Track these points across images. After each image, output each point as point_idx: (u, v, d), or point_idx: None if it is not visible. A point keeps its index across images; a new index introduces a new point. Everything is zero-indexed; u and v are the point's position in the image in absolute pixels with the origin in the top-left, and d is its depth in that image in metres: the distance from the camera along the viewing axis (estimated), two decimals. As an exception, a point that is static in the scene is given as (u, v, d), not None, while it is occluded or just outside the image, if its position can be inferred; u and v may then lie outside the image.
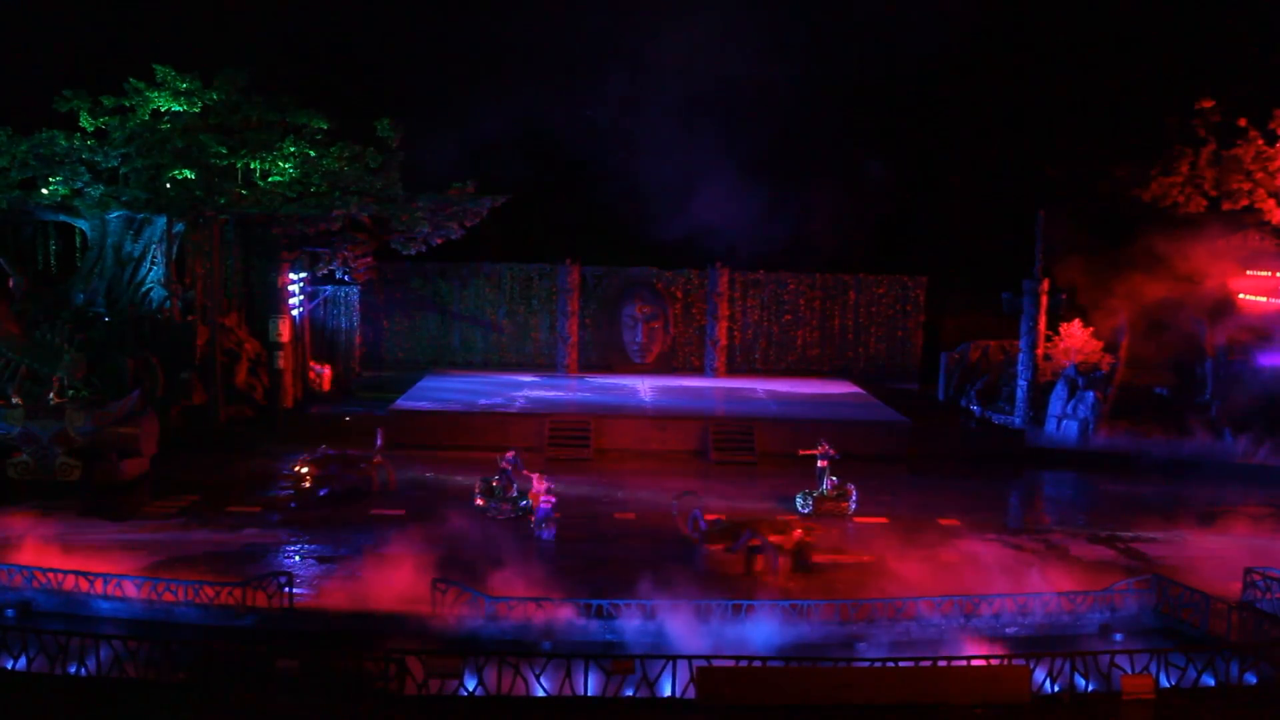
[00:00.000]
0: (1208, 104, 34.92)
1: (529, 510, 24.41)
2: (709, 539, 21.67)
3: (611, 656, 16.18)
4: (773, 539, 21.48)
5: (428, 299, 43.39)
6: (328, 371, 40.02)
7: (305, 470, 26.69)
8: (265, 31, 38.41)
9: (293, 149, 34.24)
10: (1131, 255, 35.48)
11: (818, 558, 21.94)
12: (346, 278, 40.28)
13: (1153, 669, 15.97)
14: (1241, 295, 35.56)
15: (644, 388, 39.50)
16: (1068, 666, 16.05)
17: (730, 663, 15.58)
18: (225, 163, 34.10)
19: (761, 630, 17.79)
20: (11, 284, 35.64)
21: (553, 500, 23.85)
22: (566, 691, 15.42)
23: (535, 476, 24.46)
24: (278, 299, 36.02)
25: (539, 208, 43.11)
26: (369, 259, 39.63)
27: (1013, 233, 39.85)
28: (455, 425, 33.25)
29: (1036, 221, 37.29)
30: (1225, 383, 35.52)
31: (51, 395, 28.28)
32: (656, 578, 19.54)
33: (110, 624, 17.97)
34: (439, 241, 38.28)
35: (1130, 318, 36.65)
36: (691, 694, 15.28)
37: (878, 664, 15.69)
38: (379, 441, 27.71)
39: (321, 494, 26.46)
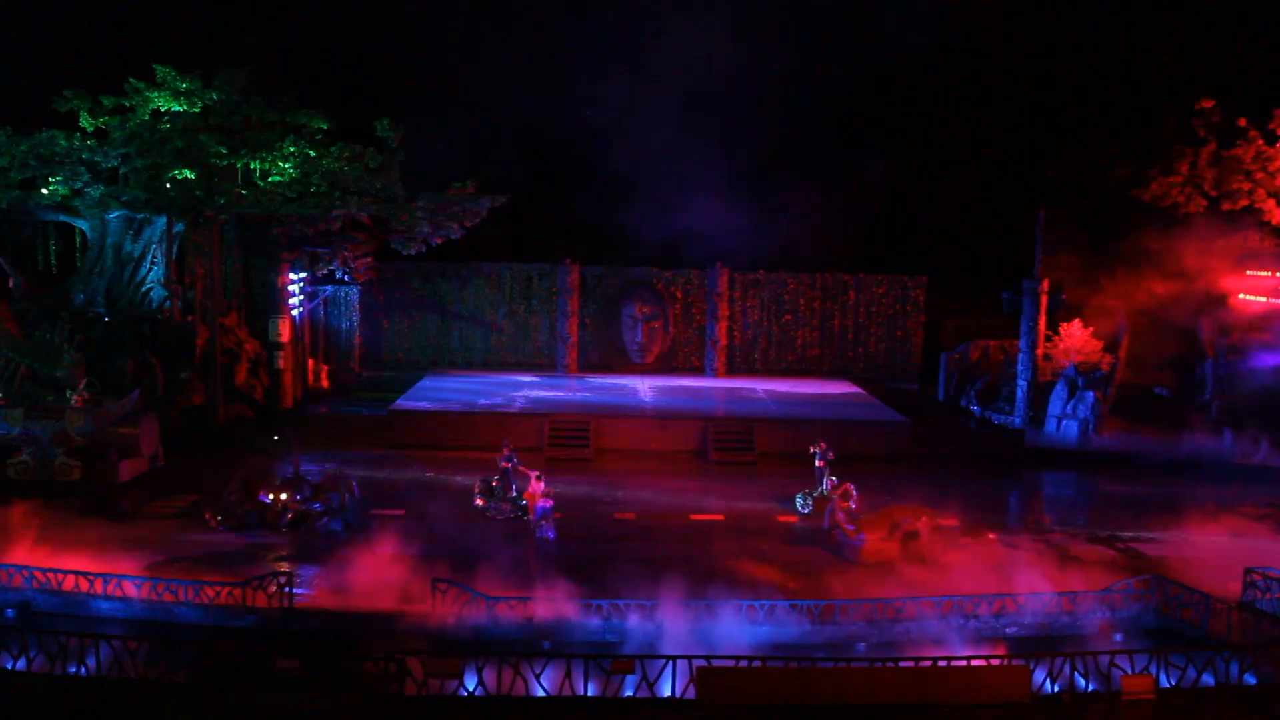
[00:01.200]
0: (1208, 104, 34.94)
1: (527, 509, 24.42)
2: (866, 529, 22.58)
3: (611, 656, 16.18)
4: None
5: (428, 299, 43.34)
6: (325, 370, 40.02)
7: (284, 497, 24.05)
8: (265, 31, 38.43)
9: (293, 149, 34.23)
10: (1131, 255, 35.51)
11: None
12: (346, 278, 40.26)
13: (1153, 669, 15.99)
14: (1241, 295, 35.59)
15: (644, 388, 39.49)
16: (1068, 666, 16.07)
17: (730, 663, 15.59)
18: (225, 163, 34.09)
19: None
20: (11, 284, 35.65)
21: (550, 493, 23.80)
22: (566, 691, 15.43)
23: (533, 475, 24.47)
24: (278, 299, 36.08)
25: (539, 208, 43.09)
26: (369, 259, 39.62)
27: (1013, 233, 39.87)
28: (455, 425, 33.25)
29: (1036, 221, 37.29)
30: (1225, 382, 35.56)
31: (75, 398, 28.12)
32: (658, 578, 19.53)
33: (110, 624, 17.99)
34: (439, 241, 38.24)
35: (1130, 318, 36.66)
36: (691, 694, 15.29)
37: (877, 664, 15.69)
38: (292, 465, 25.22)
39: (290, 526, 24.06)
